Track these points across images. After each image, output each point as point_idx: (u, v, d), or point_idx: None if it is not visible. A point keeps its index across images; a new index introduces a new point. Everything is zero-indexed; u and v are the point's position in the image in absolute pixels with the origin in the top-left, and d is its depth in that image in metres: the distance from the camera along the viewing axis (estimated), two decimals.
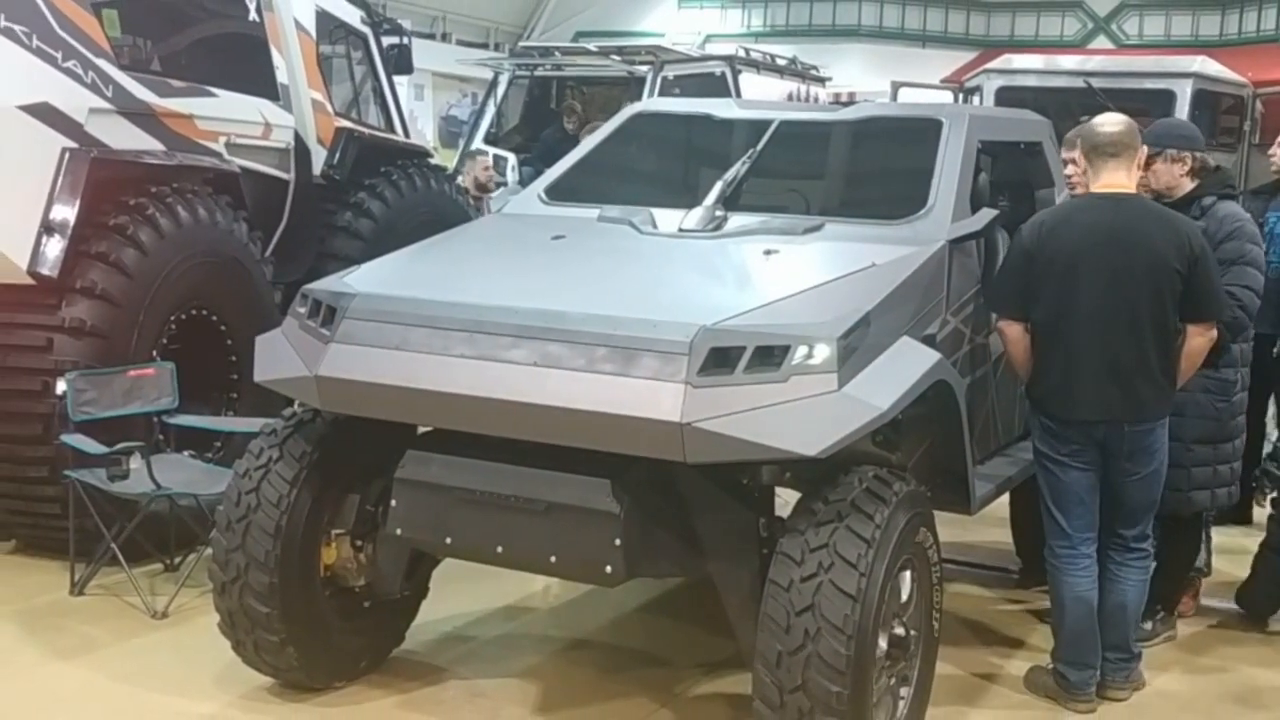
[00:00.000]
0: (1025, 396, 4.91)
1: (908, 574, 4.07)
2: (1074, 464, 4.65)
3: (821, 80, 16.35)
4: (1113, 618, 4.78)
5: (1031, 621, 5.67)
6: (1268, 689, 5.09)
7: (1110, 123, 4.67)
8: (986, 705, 4.85)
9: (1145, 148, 4.76)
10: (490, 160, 11.28)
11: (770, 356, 3.78)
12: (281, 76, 7.67)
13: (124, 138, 6.26)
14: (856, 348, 3.89)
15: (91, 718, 4.56)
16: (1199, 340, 4.62)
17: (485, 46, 23.76)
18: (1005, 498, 5.51)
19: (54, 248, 5.79)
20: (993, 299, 4.85)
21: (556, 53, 14.81)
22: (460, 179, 10.49)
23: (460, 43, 23.60)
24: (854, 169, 5.60)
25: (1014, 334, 4.70)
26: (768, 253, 4.60)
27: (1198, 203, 5.07)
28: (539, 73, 14.30)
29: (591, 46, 15.70)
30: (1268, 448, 6.22)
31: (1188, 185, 5.13)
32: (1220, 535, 6.26)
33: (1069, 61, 13.33)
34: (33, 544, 6.17)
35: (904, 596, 4.07)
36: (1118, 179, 4.61)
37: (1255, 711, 4.92)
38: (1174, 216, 4.69)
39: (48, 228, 5.80)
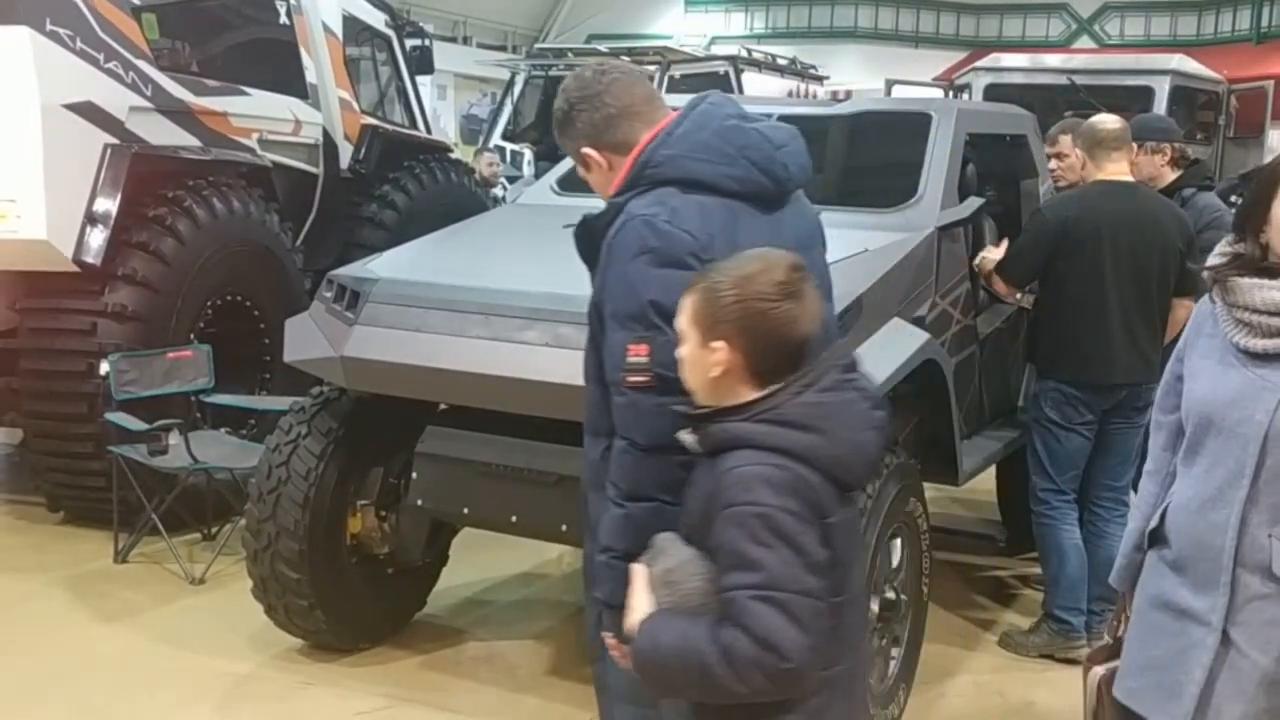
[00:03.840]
0: (1044, 372, 4.83)
1: (898, 541, 4.05)
2: (1082, 432, 4.73)
3: (820, 79, 16.25)
4: (1100, 569, 4.81)
5: (1017, 586, 5.66)
6: None
7: (1109, 121, 4.79)
8: (974, 664, 4.84)
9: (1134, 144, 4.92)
10: (496, 158, 11.62)
11: None
12: (310, 76, 7.66)
13: (162, 134, 6.26)
14: (849, 328, 3.86)
15: (134, 677, 4.57)
16: (1183, 311, 4.77)
17: (503, 49, 23.69)
18: (992, 470, 5.49)
19: (97, 238, 5.80)
20: (1012, 275, 4.85)
21: (570, 54, 14.77)
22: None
23: (480, 45, 23.54)
24: (848, 161, 5.55)
25: (1010, 294, 4.98)
26: None
27: (1178, 194, 5.12)
28: (553, 73, 14.26)
29: (603, 48, 15.65)
30: None
31: (1169, 175, 5.16)
32: None
33: (1054, 60, 13.24)
34: (79, 515, 6.19)
35: (894, 562, 4.05)
36: (1121, 169, 4.73)
37: None
38: (1171, 203, 4.90)
39: (91, 219, 5.81)
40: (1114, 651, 2.66)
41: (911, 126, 5.08)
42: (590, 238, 2.54)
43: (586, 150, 2.61)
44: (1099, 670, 2.67)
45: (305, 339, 4.45)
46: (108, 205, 5.83)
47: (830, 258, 4.25)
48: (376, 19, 8.90)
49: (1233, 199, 6.42)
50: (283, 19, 7.51)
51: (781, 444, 2.02)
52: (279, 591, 4.51)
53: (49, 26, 5.75)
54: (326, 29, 8.01)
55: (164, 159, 6.20)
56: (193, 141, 6.46)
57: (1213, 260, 2.47)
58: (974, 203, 4.85)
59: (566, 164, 5.65)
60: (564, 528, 4.12)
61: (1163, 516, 2.48)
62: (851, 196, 5.09)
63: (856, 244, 4.39)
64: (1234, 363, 2.35)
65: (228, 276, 6.34)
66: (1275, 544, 2.26)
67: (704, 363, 2.12)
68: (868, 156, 5.54)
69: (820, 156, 5.46)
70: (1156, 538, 2.50)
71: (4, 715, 4.27)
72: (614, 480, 2.45)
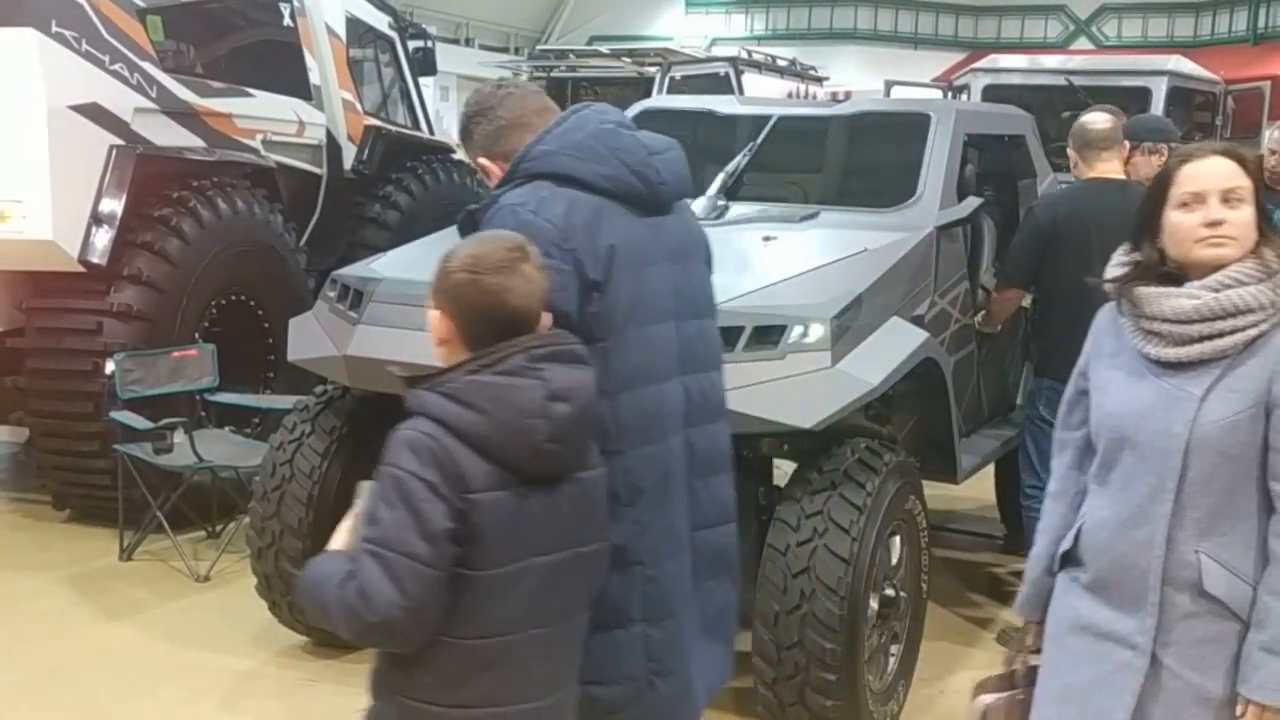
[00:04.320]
0: (1038, 370, 4.86)
1: (897, 538, 4.05)
2: None
3: (819, 80, 16.24)
4: None
5: (1015, 583, 5.64)
6: None
7: (1099, 120, 4.77)
8: (973, 660, 4.83)
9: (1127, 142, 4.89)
10: None
11: (768, 335, 3.76)
12: (314, 78, 7.65)
13: (167, 135, 6.26)
14: (849, 327, 3.87)
15: (139, 673, 4.57)
16: None
17: (506, 50, 23.70)
18: (990, 468, 5.49)
19: (103, 238, 5.81)
20: (1009, 274, 4.90)
21: (571, 55, 14.76)
22: None
23: (482, 46, 23.55)
24: (848, 161, 5.55)
25: (1015, 296, 4.97)
26: (766, 239, 4.57)
27: None
28: (555, 74, 14.26)
29: (604, 49, 15.66)
30: None
31: None
32: None
33: (1051, 61, 13.20)
34: (85, 513, 6.19)
35: (894, 560, 4.05)
36: (1112, 168, 4.71)
37: None
38: None
39: (97, 219, 5.81)
40: (1007, 682, 2.54)
41: (911, 127, 5.09)
42: (473, 228, 2.62)
43: (482, 160, 2.69)
44: (985, 699, 2.54)
45: (309, 338, 4.46)
46: (113, 206, 5.82)
47: (830, 257, 4.30)
48: (379, 21, 8.89)
49: None
50: (286, 21, 7.51)
51: (441, 415, 2.11)
52: (283, 589, 4.51)
53: (55, 28, 5.74)
54: (330, 31, 8.00)
55: (169, 160, 6.20)
56: (197, 142, 6.46)
57: (1113, 271, 2.39)
58: (973, 202, 4.85)
59: None
60: None
61: (1076, 537, 2.37)
62: (851, 196, 5.10)
63: (856, 244, 4.40)
64: (1145, 373, 2.26)
65: (232, 276, 6.34)
66: (1204, 560, 2.17)
67: (431, 329, 2.22)
68: (867, 157, 5.54)
69: (820, 156, 5.51)
70: (1069, 559, 2.38)
71: (9, 712, 4.26)
72: None
